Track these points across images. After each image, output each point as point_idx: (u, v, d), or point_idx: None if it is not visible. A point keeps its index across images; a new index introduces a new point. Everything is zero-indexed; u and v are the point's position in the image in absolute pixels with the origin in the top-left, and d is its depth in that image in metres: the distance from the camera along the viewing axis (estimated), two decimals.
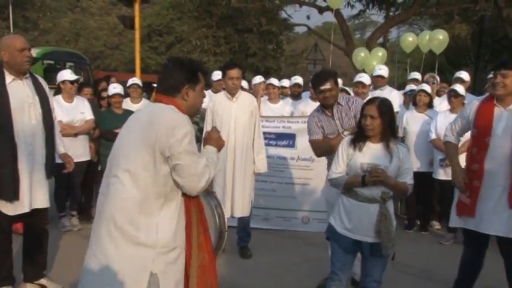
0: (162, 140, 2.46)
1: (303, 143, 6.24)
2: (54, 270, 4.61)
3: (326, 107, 4.13)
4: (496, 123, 3.70)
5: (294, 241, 5.90)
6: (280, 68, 22.81)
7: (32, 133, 3.90)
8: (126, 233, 2.46)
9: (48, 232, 4.27)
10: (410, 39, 11.31)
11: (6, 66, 3.85)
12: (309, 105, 6.66)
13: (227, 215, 5.01)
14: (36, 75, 4.13)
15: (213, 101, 5.14)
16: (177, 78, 2.63)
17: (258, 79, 7.17)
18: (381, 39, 19.15)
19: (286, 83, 8.06)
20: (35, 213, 3.98)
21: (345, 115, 4.11)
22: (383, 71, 6.79)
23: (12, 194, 3.78)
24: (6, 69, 3.85)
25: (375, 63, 7.60)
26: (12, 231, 4.06)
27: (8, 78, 3.85)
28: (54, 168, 4.14)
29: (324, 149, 4.14)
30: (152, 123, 2.51)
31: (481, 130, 3.77)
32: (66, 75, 6.06)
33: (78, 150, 5.84)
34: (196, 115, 2.85)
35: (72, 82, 5.98)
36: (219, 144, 2.86)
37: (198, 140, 6.81)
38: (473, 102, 3.96)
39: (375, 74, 6.79)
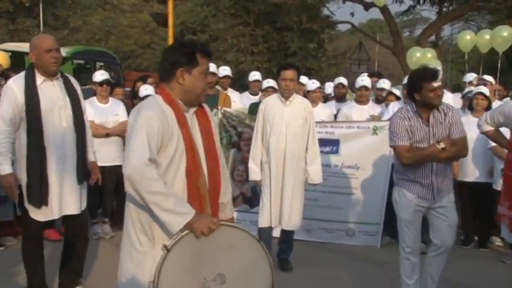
0: None
1: (347, 149, 6.26)
2: (85, 278, 4.73)
3: (431, 107, 3.92)
4: None
5: (337, 255, 5.88)
6: (322, 69, 22.72)
7: (62, 136, 3.97)
8: None
9: (88, 239, 4.36)
10: (468, 37, 11.06)
11: (36, 67, 3.96)
12: (353, 108, 6.65)
13: (274, 225, 5.06)
14: (69, 76, 4.23)
15: (265, 103, 5.17)
16: (171, 60, 2.59)
17: (312, 84, 6.92)
18: (432, 38, 18.85)
19: (329, 87, 8.01)
20: (71, 219, 4.08)
21: (439, 123, 3.97)
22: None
23: (39, 199, 3.88)
24: (37, 70, 3.95)
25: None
26: (43, 238, 4.18)
27: (39, 79, 3.94)
28: (86, 173, 4.22)
29: (417, 158, 3.94)
30: None
31: None
32: (96, 76, 6.27)
33: (111, 154, 6.00)
34: (198, 103, 2.70)
35: (101, 84, 6.14)
36: (198, 229, 2.40)
37: (234, 145, 6.91)
38: None
39: None
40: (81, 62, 21.96)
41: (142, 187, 2.38)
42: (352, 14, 17.91)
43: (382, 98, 7.01)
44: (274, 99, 5.16)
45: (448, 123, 3.97)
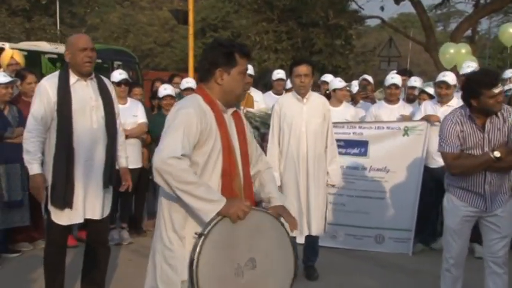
0: None
1: (376, 151, 6.21)
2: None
3: (488, 114, 3.78)
4: None
5: (366, 262, 5.84)
6: (349, 67, 22.62)
7: (92, 138, 4.00)
8: None
9: (109, 249, 4.37)
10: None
11: (70, 66, 4.02)
12: (382, 108, 6.60)
13: (304, 233, 5.03)
14: (103, 77, 4.25)
15: (280, 103, 5.11)
16: (209, 60, 2.69)
17: (338, 82, 6.81)
18: (468, 32, 18.61)
19: (355, 85, 7.97)
20: (91, 225, 4.12)
21: (497, 129, 3.82)
22: (472, 68, 6.61)
23: (63, 201, 3.91)
24: (71, 70, 4.01)
25: (463, 65, 7.32)
26: (66, 244, 4.20)
27: (73, 78, 3.99)
28: (114, 178, 4.24)
29: (467, 167, 3.84)
30: None
31: None
32: (114, 76, 6.35)
33: (129, 156, 6.03)
34: (236, 103, 2.84)
35: (119, 84, 6.20)
36: (234, 213, 2.52)
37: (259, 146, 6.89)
38: None
39: (463, 72, 6.60)
40: (99, 61, 22.21)
41: (173, 177, 2.46)
42: (382, 8, 17.80)
43: (414, 97, 6.95)
44: (289, 98, 5.12)
45: (507, 129, 3.80)
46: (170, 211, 2.69)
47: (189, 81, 6.99)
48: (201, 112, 2.63)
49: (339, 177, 5.19)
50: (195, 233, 2.52)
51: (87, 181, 4.00)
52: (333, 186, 5.25)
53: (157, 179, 2.52)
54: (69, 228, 4.09)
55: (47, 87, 3.96)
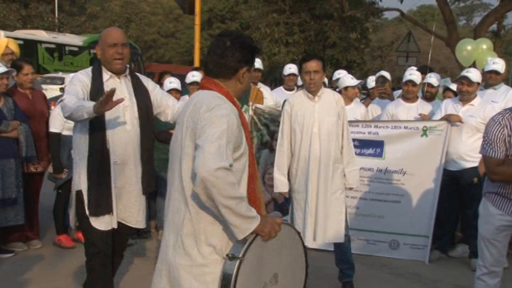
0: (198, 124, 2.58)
1: (393, 152, 6.21)
2: None
3: None
4: None
5: (379, 270, 5.85)
6: (365, 62, 22.62)
7: (125, 140, 3.90)
8: None
9: (122, 257, 4.33)
10: None
11: (102, 62, 3.93)
12: (400, 107, 6.59)
13: (308, 243, 4.98)
14: (140, 75, 4.14)
15: (291, 103, 5.03)
16: (236, 58, 2.72)
17: (350, 80, 6.77)
18: (493, 26, 18.51)
19: (371, 81, 7.97)
20: (116, 233, 4.01)
21: None
22: (498, 65, 6.55)
23: (101, 206, 3.85)
24: (103, 66, 3.93)
25: (488, 58, 7.25)
26: (110, 251, 4.01)
27: (106, 75, 3.91)
28: (154, 182, 4.16)
29: (510, 175, 3.77)
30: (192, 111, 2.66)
31: None
32: None
33: None
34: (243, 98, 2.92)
35: None
36: (268, 232, 2.60)
37: (266, 145, 6.92)
38: None
39: (488, 68, 6.57)
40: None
41: (218, 191, 2.42)
42: (401, 0, 17.69)
43: (431, 95, 6.93)
44: (300, 96, 5.03)
45: None
46: (204, 223, 2.64)
47: (195, 75, 7.01)
48: (235, 112, 2.66)
49: (356, 179, 5.10)
50: (227, 255, 2.55)
51: (122, 186, 3.93)
52: (351, 189, 5.18)
53: (198, 189, 2.46)
54: (110, 234, 4.01)
55: (84, 78, 3.88)
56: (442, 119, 6.03)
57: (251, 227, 2.52)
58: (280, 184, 5.05)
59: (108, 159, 3.83)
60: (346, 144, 4.99)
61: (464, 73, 6.00)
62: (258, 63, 7.63)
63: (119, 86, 3.88)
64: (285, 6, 19.90)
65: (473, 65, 8.08)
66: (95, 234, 3.89)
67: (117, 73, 3.93)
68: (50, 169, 6.09)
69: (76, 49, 20.01)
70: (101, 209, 3.86)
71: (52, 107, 6.77)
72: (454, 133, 5.94)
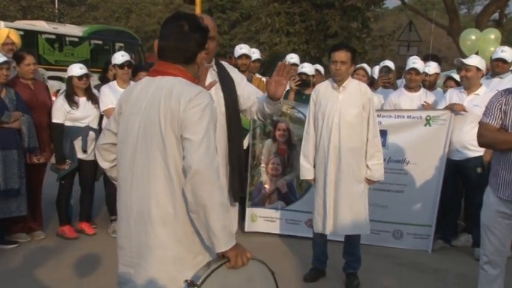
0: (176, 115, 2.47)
1: (395, 141, 6.19)
2: (99, 279, 4.84)
3: None
4: None
5: (383, 259, 5.85)
6: (366, 52, 22.50)
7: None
8: None
9: None
10: None
11: None
12: (402, 96, 6.56)
13: (328, 231, 4.97)
14: (226, 64, 3.72)
15: (316, 91, 5.03)
16: (196, 42, 2.64)
17: None
18: (495, 15, 18.41)
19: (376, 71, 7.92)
20: None
21: None
22: (507, 53, 6.46)
23: None
24: None
25: (492, 48, 7.18)
26: None
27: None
28: (243, 190, 3.76)
29: (494, 139, 3.82)
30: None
31: None
32: (116, 58, 6.34)
33: None
34: None
35: (121, 66, 6.21)
36: (235, 257, 2.44)
37: (269, 135, 6.87)
38: None
39: (495, 56, 6.49)
40: (99, 42, 22.36)
41: (207, 190, 2.36)
42: None
43: (430, 84, 6.90)
44: (326, 85, 5.02)
45: None
46: (192, 230, 2.54)
47: (243, 47, 7.01)
48: (210, 96, 2.61)
49: (380, 172, 4.99)
50: (186, 280, 2.38)
51: None
52: (374, 182, 5.08)
53: (187, 185, 2.38)
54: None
55: None
56: (445, 108, 6.01)
57: (230, 243, 2.40)
58: (306, 171, 5.07)
59: None
60: (372, 137, 4.89)
61: (465, 60, 5.94)
62: (256, 53, 7.58)
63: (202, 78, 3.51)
64: None
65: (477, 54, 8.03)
66: None
67: (209, 62, 3.53)
68: (53, 160, 6.08)
69: (76, 40, 19.94)
70: None
71: (53, 98, 6.75)
72: (458, 122, 5.91)
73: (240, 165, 3.58)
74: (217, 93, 3.46)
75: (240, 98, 3.58)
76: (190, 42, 2.62)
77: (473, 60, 5.91)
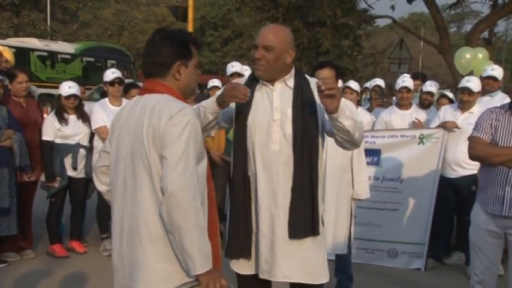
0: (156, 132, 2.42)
1: (389, 160, 6.18)
2: None
3: None
4: None
5: (377, 278, 5.80)
6: (357, 69, 22.64)
7: (271, 164, 3.10)
8: None
9: None
10: None
11: None
12: (393, 114, 6.56)
13: None
14: (310, 78, 3.26)
15: None
16: (165, 53, 2.56)
17: (353, 83, 6.35)
18: (484, 34, 18.58)
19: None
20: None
21: None
22: (496, 71, 6.51)
23: (239, 247, 3.17)
24: None
25: (486, 67, 7.21)
26: None
27: (258, 83, 3.19)
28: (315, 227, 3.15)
29: (486, 152, 3.79)
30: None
31: None
32: (107, 75, 6.32)
33: None
34: (188, 99, 2.68)
35: (112, 83, 6.19)
36: (207, 282, 2.40)
37: None
38: None
39: (486, 74, 6.52)
40: (91, 59, 22.37)
41: (182, 212, 2.32)
42: (393, 8, 17.73)
43: (429, 103, 6.89)
44: None
45: None
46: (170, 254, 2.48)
47: (234, 65, 6.99)
48: (194, 112, 2.56)
49: (366, 190, 4.93)
50: None
51: (271, 224, 3.11)
52: (360, 200, 5.05)
53: (163, 206, 2.34)
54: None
55: None
56: (438, 126, 6.01)
57: (206, 266, 2.36)
58: None
59: (249, 189, 3.13)
60: (357, 154, 4.84)
61: (465, 83, 5.92)
62: (249, 70, 7.54)
63: (268, 93, 3.16)
64: (278, 13, 19.94)
65: (471, 74, 8.06)
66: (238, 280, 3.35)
67: (263, 80, 3.16)
68: (43, 177, 6.01)
69: (68, 57, 19.94)
70: (237, 251, 3.23)
71: (45, 115, 6.70)
72: (452, 140, 5.91)
73: (312, 200, 3.10)
74: (285, 111, 3.10)
75: (322, 118, 3.13)
76: (160, 54, 2.56)
77: (477, 85, 5.93)
